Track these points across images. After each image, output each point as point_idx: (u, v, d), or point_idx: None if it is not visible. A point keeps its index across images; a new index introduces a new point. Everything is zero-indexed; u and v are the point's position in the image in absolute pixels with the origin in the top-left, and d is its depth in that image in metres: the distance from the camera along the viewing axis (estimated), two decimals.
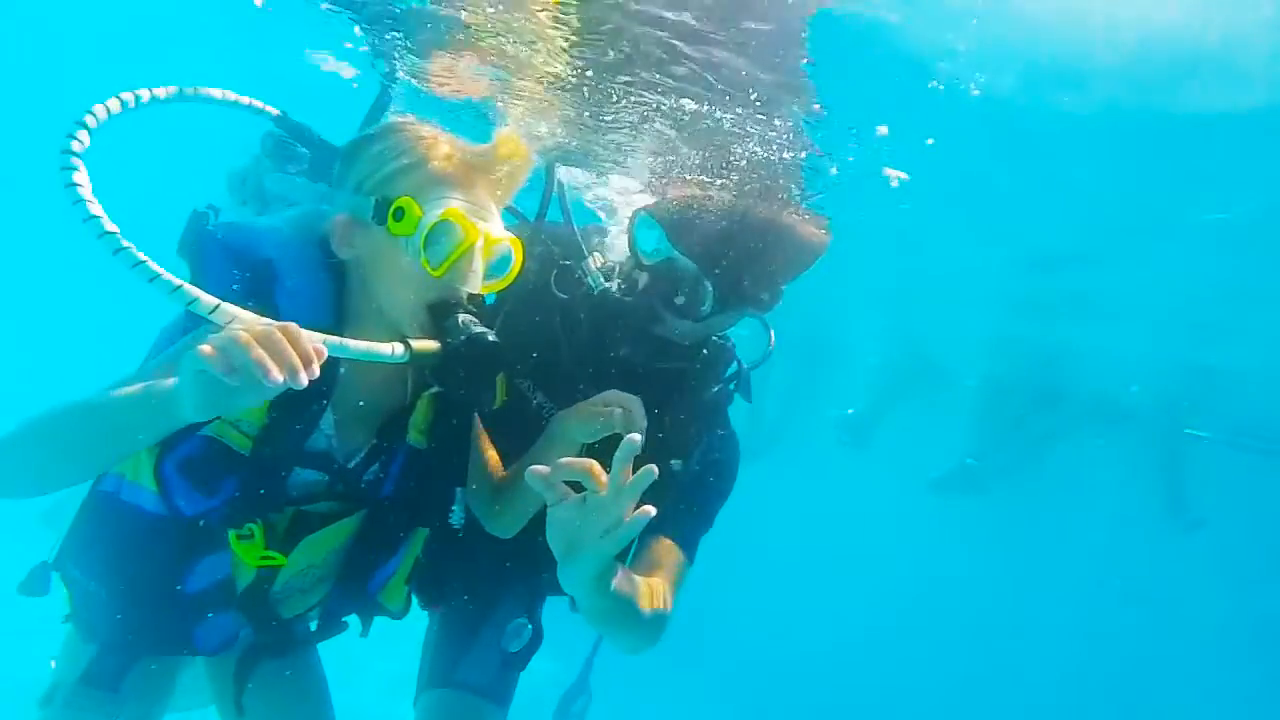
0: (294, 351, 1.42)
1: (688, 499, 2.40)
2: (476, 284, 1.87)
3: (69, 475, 1.72)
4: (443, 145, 1.88)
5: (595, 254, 2.45)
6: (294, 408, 1.85)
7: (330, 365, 1.72)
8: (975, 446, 13.27)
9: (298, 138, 2.27)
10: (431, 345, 1.80)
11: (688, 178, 3.48)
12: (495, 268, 1.94)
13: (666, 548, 2.29)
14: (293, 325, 1.45)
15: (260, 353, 1.38)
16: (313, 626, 2.35)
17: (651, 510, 1.57)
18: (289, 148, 2.30)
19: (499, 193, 1.93)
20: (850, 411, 13.53)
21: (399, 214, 1.80)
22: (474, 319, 1.83)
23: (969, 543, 16.51)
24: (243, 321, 1.48)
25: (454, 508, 2.11)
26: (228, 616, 2.08)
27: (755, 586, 14.48)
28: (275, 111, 2.28)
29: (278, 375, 1.38)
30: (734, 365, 2.54)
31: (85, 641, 2.17)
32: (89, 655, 2.15)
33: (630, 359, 2.32)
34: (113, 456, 1.73)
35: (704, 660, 11.27)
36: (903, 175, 4.49)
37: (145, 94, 1.86)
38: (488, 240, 1.85)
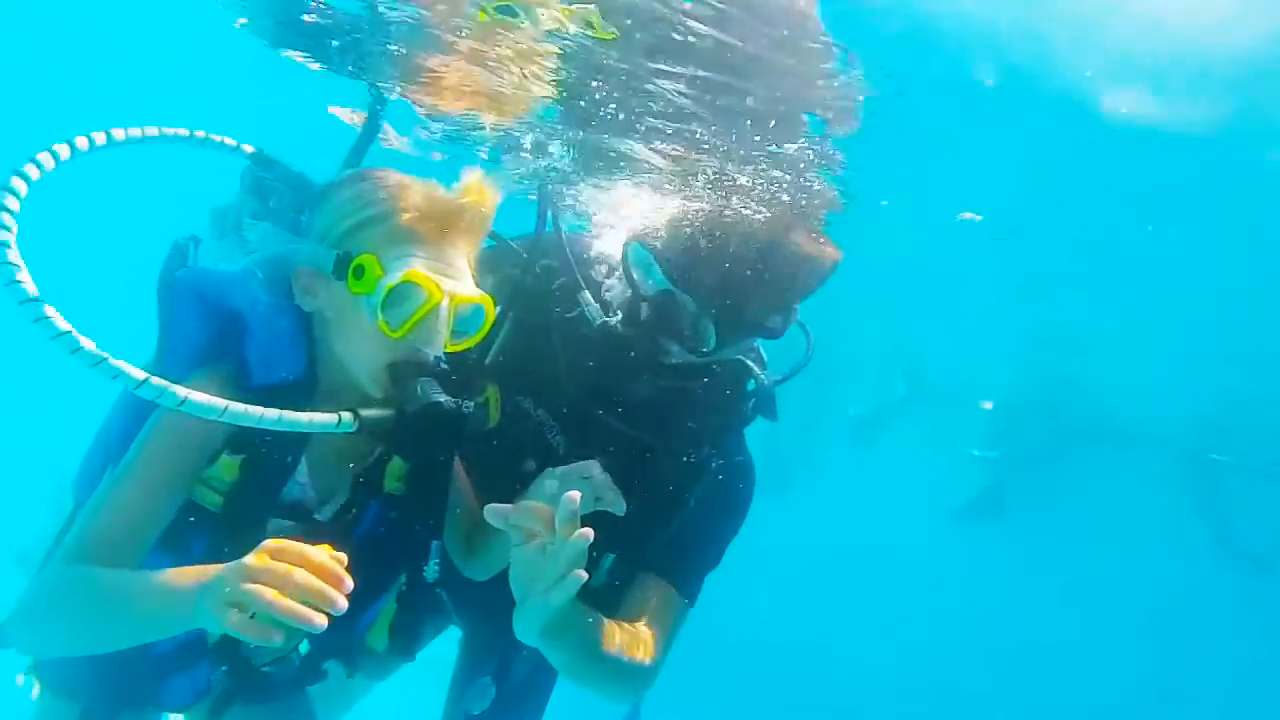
0: (322, 585, 1.33)
1: (691, 534, 2.25)
2: (440, 345, 1.78)
3: (93, 650, 1.71)
4: (409, 197, 1.78)
5: (598, 266, 2.32)
6: (268, 463, 1.79)
7: (304, 409, 1.70)
8: (994, 469, 13.08)
9: (274, 175, 2.17)
10: (383, 413, 1.73)
11: (683, 192, 3.30)
12: (464, 324, 1.84)
13: (660, 591, 2.16)
14: (311, 553, 1.37)
15: (296, 608, 1.30)
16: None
17: (583, 575, 1.54)
18: (268, 184, 2.21)
19: (468, 242, 1.85)
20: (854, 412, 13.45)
21: (359, 272, 1.72)
22: (435, 383, 1.74)
23: (993, 570, 16.22)
24: (256, 569, 1.36)
25: (430, 561, 2.03)
26: (198, 670, 2.00)
27: (786, 615, 14.26)
28: (249, 149, 2.20)
29: (321, 620, 1.30)
30: (752, 382, 2.32)
31: (58, 698, 2.09)
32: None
33: (633, 388, 2.16)
34: (132, 642, 1.67)
35: (763, 689, 11.15)
36: (976, 217, 4.42)
37: (100, 137, 1.74)
38: (454, 300, 1.76)
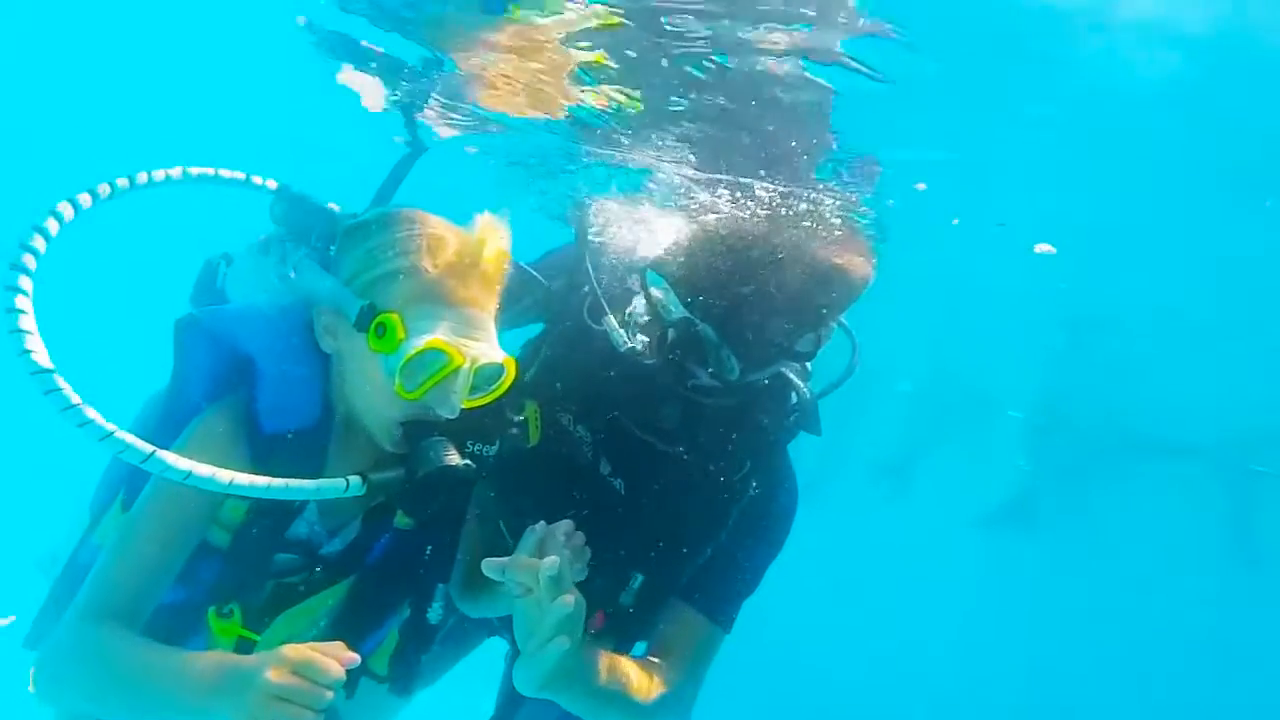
0: (324, 682, 1.40)
1: (728, 558, 2.19)
2: (456, 408, 1.74)
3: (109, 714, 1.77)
4: (439, 251, 1.73)
5: (632, 278, 2.26)
6: (275, 505, 1.78)
7: (316, 454, 1.77)
8: (1026, 479, 12.87)
9: (299, 209, 2.14)
10: (392, 475, 1.75)
11: (695, 207, 3.20)
12: (484, 382, 1.79)
13: (693, 622, 2.12)
14: (333, 669, 1.42)
15: (309, 715, 1.39)
16: None
17: (566, 642, 1.55)
18: (293, 218, 2.19)
19: (494, 295, 1.80)
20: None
21: (381, 330, 1.69)
22: (448, 442, 1.74)
23: (1023, 582, 15.99)
24: (285, 689, 1.41)
25: (434, 603, 2.04)
26: None
27: (813, 626, 14.18)
28: (274, 185, 2.17)
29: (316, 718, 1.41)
30: (794, 396, 2.20)
31: None
32: None
33: (667, 408, 2.10)
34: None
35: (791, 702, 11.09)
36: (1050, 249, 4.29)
37: (123, 181, 1.72)
38: (475, 364, 1.72)
